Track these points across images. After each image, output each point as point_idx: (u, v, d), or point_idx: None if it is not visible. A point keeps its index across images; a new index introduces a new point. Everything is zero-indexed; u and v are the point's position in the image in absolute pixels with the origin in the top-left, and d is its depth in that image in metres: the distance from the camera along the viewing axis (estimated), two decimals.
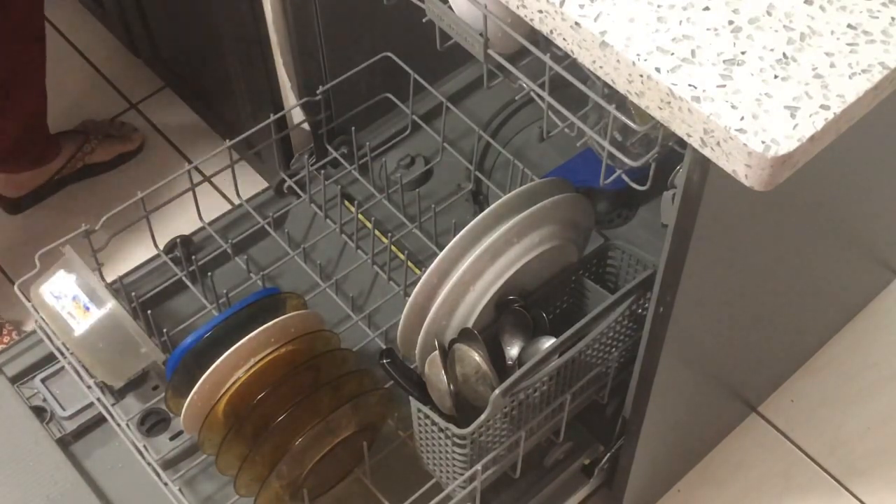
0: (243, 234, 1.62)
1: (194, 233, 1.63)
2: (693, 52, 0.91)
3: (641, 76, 0.91)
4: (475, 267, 1.27)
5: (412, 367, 1.32)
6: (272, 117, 1.59)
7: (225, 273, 1.58)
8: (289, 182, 1.66)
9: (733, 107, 0.88)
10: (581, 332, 1.25)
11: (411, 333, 1.31)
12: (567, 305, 1.41)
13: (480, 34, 1.15)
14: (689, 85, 0.89)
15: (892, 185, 1.48)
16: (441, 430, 1.23)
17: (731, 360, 1.48)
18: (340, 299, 1.55)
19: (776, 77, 0.90)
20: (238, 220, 1.65)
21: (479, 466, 1.26)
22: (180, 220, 1.58)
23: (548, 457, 1.44)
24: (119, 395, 1.49)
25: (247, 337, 1.26)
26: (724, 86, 0.89)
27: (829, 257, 1.51)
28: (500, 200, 1.29)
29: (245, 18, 1.57)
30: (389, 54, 1.57)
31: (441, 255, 1.27)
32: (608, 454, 1.44)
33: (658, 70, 0.90)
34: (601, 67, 0.95)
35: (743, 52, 0.91)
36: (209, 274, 1.52)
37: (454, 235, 1.27)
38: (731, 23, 0.94)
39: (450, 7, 1.18)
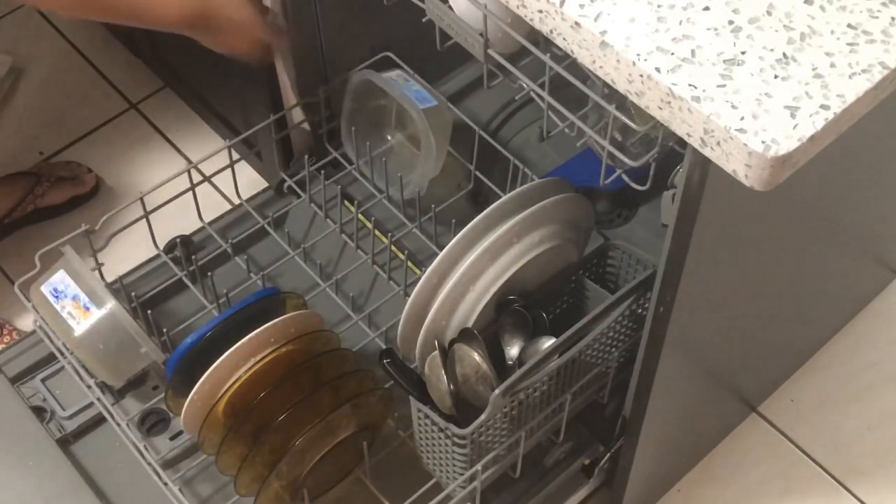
0: (243, 234, 1.61)
1: (194, 233, 1.63)
2: (693, 52, 0.91)
3: (641, 76, 0.91)
4: (475, 267, 1.27)
5: (412, 367, 1.32)
6: (272, 117, 1.59)
7: (225, 273, 1.58)
8: (289, 182, 1.66)
9: (733, 107, 0.88)
10: (581, 332, 1.25)
11: (411, 333, 1.31)
12: (567, 305, 1.41)
13: (480, 34, 1.15)
14: (689, 85, 0.89)
15: (892, 185, 1.48)
16: (441, 429, 1.23)
17: (731, 360, 1.48)
18: (340, 299, 1.55)
19: (776, 77, 0.90)
20: (238, 220, 1.65)
21: (479, 466, 1.26)
22: (180, 220, 1.58)
23: (548, 457, 1.44)
24: (119, 395, 1.49)
25: (247, 337, 1.26)
26: (724, 86, 0.89)
27: (829, 257, 1.50)
28: (500, 200, 1.29)
29: None
30: (389, 54, 1.57)
31: (441, 255, 1.27)
32: (608, 454, 1.44)
33: (658, 70, 0.90)
34: (601, 67, 0.95)
35: (743, 52, 0.91)
36: (209, 274, 1.52)
37: (454, 235, 1.27)
38: (731, 23, 0.94)
39: (450, 7, 1.18)
